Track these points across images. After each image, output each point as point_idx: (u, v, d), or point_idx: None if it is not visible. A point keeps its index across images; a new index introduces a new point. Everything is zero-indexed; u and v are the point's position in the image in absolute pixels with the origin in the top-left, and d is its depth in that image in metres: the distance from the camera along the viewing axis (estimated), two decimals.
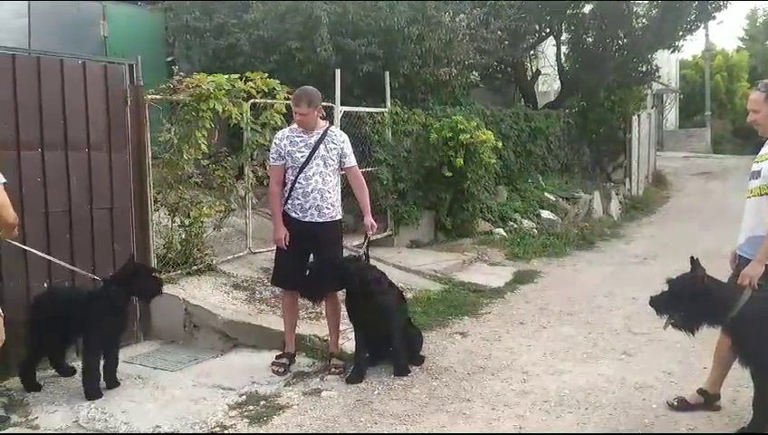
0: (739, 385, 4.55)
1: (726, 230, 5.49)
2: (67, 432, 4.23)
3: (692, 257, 4.13)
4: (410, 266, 8.25)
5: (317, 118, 5.18)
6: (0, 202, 4.02)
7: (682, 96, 33.66)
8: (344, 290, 5.24)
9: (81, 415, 4.42)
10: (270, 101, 7.17)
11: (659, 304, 4.21)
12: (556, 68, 16.42)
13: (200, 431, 4.25)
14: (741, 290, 4.05)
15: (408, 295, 7.19)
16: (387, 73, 9.47)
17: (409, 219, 9.51)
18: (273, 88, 7.06)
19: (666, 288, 4.21)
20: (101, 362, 4.75)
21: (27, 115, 4.98)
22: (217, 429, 4.27)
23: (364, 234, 5.47)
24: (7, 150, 4.81)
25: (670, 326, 4.20)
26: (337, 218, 5.29)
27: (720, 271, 4.32)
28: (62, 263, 4.94)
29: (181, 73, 6.61)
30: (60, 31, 9.41)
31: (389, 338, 5.20)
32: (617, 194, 15.57)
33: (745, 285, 4.05)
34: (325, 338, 5.55)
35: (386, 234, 9.42)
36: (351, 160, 5.34)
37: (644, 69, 15.74)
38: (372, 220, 5.40)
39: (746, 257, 4.20)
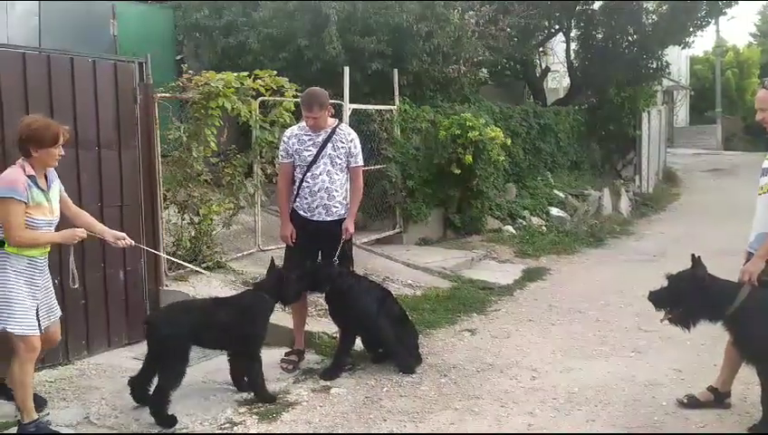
0: (749, 383, 4.52)
1: (737, 227, 5.46)
2: (78, 429, 4.26)
3: (693, 255, 4.18)
4: (419, 264, 8.25)
5: (327, 117, 5.20)
6: (8, 221, 3.81)
7: (692, 92, 33.44)
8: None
9: (91, 411, 4.45)
10: (279, 98, 7.19)
11: (658, 298, 4.28)
12: (565, 65, 16.38)
13: (210, 428, 4.26)
14: (740, 286, 4.05)
15: (417, 293, 7.22)
16: (395, 71, 9.47)
17: (418, 217, 9.51)
18: (282, 86, 7.08)
19: (665, 283, 4.25)
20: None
21: (38, 113, 4.99)
22: (227, 425, 4.28)
23: (340, 238, 5.22)
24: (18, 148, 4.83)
25: (668, 321, 4.25)
26: (346, 217, 5.29)
27: (731, 268, 4.30)
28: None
29: (190, 71, 6.63)
30: (70, 30, 9.46)
31: (379, 338, 5.23)
32: (627, 191, 15.52)
33: (745, 280, 4.05)
34: (334, 335, 5.56)
35: (395, 231, 9.44)
36: (357, 161, 5.32)
37: (654, 65, 15.65)
38: (351, 227, 5.26)
39: None
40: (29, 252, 3.93)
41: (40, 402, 4.31)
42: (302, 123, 5.29)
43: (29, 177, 3.91)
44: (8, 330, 3.88)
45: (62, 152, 4.07)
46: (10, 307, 3.88)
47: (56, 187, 4.13)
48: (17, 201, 3.83)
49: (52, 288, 4.20)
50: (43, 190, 3.98)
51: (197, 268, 5.86)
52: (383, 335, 5.19)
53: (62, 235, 4.08)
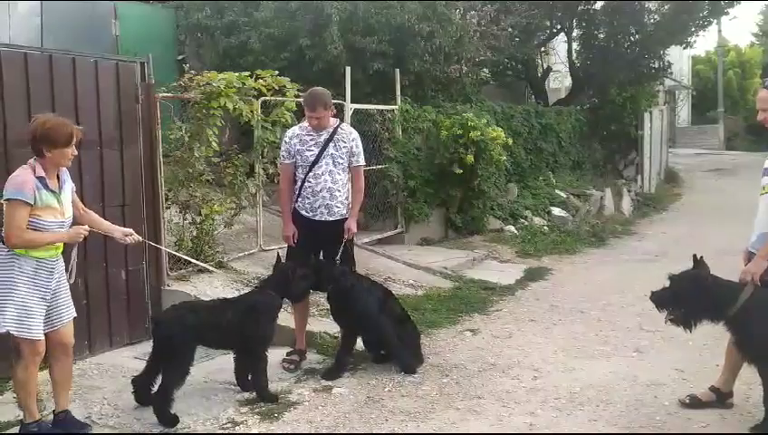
0: (752, 383, 4.51)
1: (739, 228, 5.45)
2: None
3: (695, 255, 4.19)
4: (420, 264, 8.25)
5: (329, 117, 5.21)
6: (9, 222, 3.74)
7: (694, 92, 33.43)
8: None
9: (93, 411, 4.46)
10: (280, 98, 7.19)
11: (660, 299, 4.28)
12: (567, 65, 16.36)
13: (211, 427, 4.27)
14: (742, 287, 4.05)
15: (419, 293, 7.22)
16: (397, 71, 9.47)
17: (420, 217, 9.51)
18: (284, 86, 7.09)
19: (667, 284, 4.25)
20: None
21: (39, 113, 4.98)
22: (229, 425, 4.29)
23: (342, 238, 5.25)
24: (21, 148, 4.82)
25: (670, 321, 4.26)
26: (347, 216, 5.29)
27: (733, 268, 4.29)
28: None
29: (192, 71, 6.63)
30: (72, 30, 9.46)
31: (380, 338, 5.23)
32: (628, 191, 15.51)
33: (747, 281, 4.04)
34: (335, 335, 5.57)
35: (396, 231, 9.44)
36: (359, 160, 5.33)
37: (656, 65, 15.63)
38: (353, 226, 5.28)
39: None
40: (37, 253, 3.87)
41: (81, 426, 4.20)
42: (304, 123, 5.30)
43: (38, 178, 3.84)
44: (11, 332, 3.84)
45: (75, 152, 4.00)
46: (14, 309, 3.81)
47: (68, 187, 4.07)
48: (23, 203, 3.77)
49: (66, 290, 4.11)
50: (53, 192, 3.91)
51: (206, 265, 5.86)
52: (385, 335, 5.19)
53: (63, 234, 4.01)
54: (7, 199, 3.78)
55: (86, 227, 4.11)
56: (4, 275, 3.83)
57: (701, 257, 4.19)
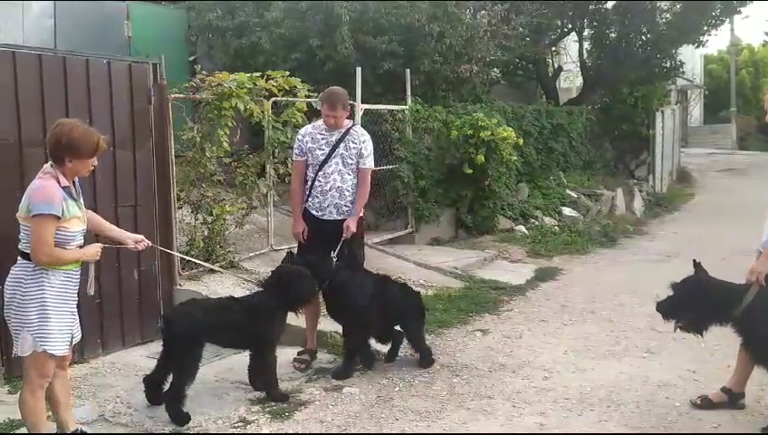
0: (764, 384, 4.50)
1: (751, 227, 5.41)
2: (93, 426, 4.28)
3: (694, 260, 4.23)
4: (431, 264, 8.26)
5: (344, 117, 5.24)
6: (40, 237, 3.52)
7: (707, 92, 33.20)
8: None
9: (106, 409, 4.49)
10: (291, 99, 7.22)
11: (666, 308, 4.29)
12: (578, 64, 16.31)
13: (223, 426, 4.29)
14: (747, 287, 4.04)
15: (429, 293, 7.22)
16: (407, 71, 9.48)
17: (430, 217, 9.52)
18: (295, 86, 7.11)
19: (671, 293, 4.27)
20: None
21: (53, 114, 5.01)
22: (240, 424, 4.31)
23: (341, 236, 5.22)
24: (34, 149, 4.88)
25: (680, 329, 4.28)
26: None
27: (745, 269, 4.27)
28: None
29: (204, 72, 6.67)
30: (85, 31, 9.52)
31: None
32: (640, 191, 15.44)
33: (752, 280, 4.02)
34: None
35: (407, 231, 9.44)
36: (366, 162, 5.33)
37: (668, 64, 15.57)
38: (352, 226, 5.22)
39: None
40: (65, 266, 3.67)
41: None
42: (317, 123, 5.35)
43: (64, 188, 3.61)
44: (48, 352, 3.60)
45: (96, 162, 3.75)
46: (48, 327, 3.59)
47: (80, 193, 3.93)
48: (53, 217, 3.54)
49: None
50: (75, 200, 3.73)
51: (214, 267, 5.89)
52: (355, 333, 5.13)
53: (84, 252, 3.78)
54: (36, 215, 3.53)
55: (100, 244, 3.91)
56: (34, 292, 3.60)
57: (699, 262, 4.21)
